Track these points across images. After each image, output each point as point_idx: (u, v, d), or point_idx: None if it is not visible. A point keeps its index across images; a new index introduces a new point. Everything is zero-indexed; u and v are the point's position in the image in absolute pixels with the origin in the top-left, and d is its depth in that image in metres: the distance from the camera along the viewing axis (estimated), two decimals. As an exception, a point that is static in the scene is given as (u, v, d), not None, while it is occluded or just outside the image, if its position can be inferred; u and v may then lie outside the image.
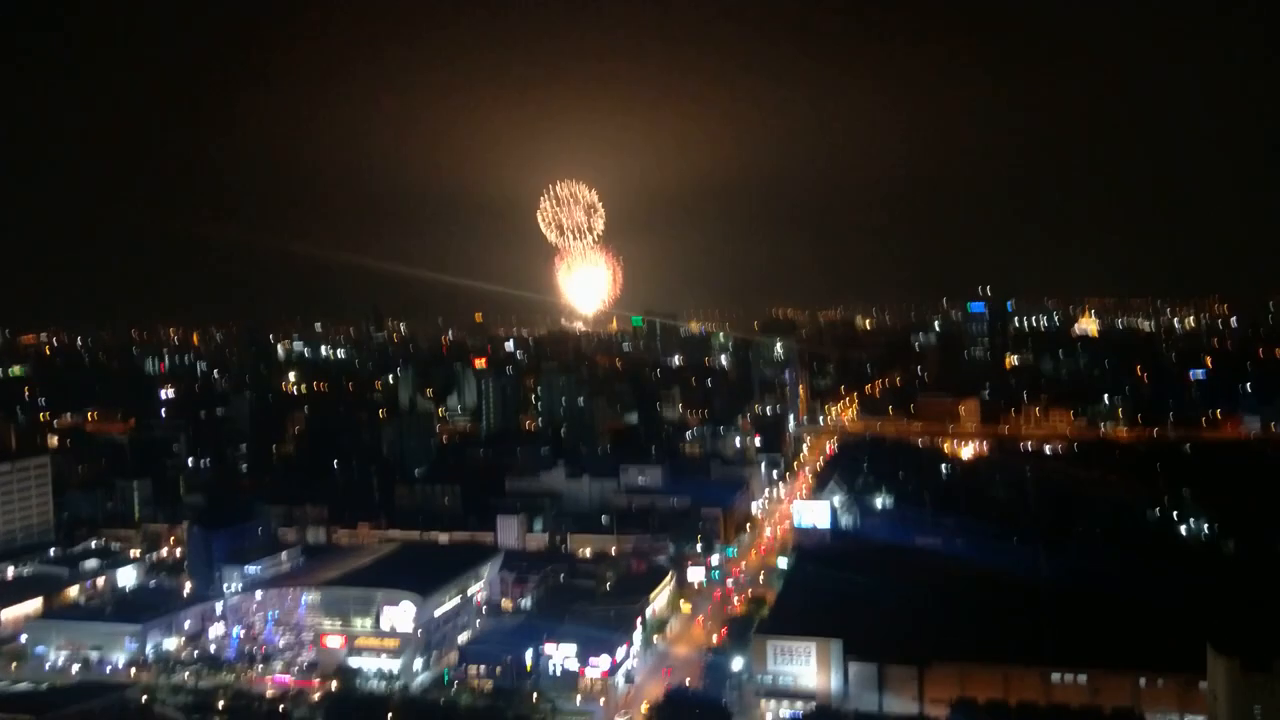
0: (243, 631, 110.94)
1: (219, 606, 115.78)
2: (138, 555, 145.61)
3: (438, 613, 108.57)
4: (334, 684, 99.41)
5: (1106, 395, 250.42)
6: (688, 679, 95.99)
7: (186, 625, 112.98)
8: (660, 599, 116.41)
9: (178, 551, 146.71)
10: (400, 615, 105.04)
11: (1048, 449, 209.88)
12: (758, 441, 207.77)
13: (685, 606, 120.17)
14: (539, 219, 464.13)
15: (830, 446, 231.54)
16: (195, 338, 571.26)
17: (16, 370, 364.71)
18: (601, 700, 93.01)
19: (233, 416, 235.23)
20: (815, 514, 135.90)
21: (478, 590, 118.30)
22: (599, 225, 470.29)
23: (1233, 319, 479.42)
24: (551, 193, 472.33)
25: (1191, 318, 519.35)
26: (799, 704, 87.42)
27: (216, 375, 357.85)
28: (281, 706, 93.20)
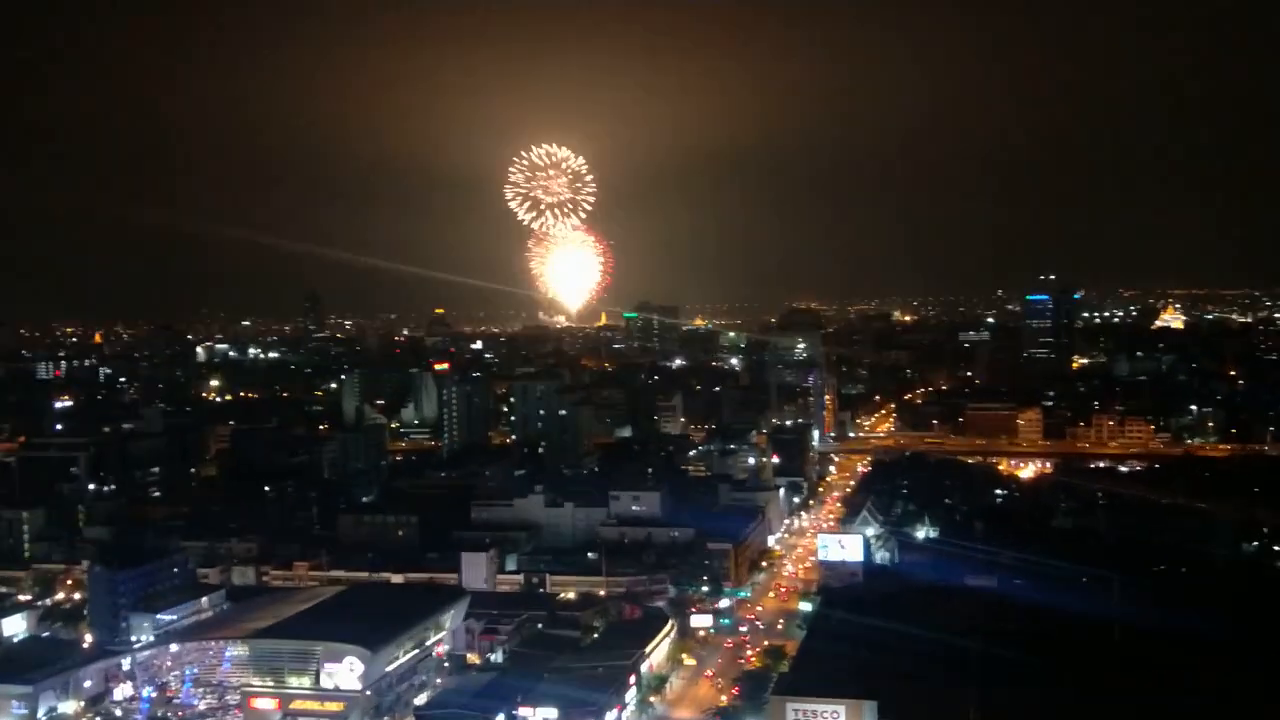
0: (155, 692, 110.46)
1: (126, 662, 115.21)
2: (27, 601, 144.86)
3: (390, 668, 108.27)
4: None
5: (1194, 403, 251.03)
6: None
7: (86, 685, 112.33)
8: (658, 651, 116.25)
9: (76, 596, 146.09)
10: (345, 672, 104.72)
11: (1124, 469, 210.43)
12: (775, 461, 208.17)
13: (689, 660, 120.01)
14: (509, 193, 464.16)
15: (863, 466, 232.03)
16: (98, 337, 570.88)
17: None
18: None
19: (143, 432, 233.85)
20: (845, 548, 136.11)
21: (438, 642, 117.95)
22: (585, 200, 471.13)
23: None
24: (526, 160, 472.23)
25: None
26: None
27: (124, 382, 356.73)
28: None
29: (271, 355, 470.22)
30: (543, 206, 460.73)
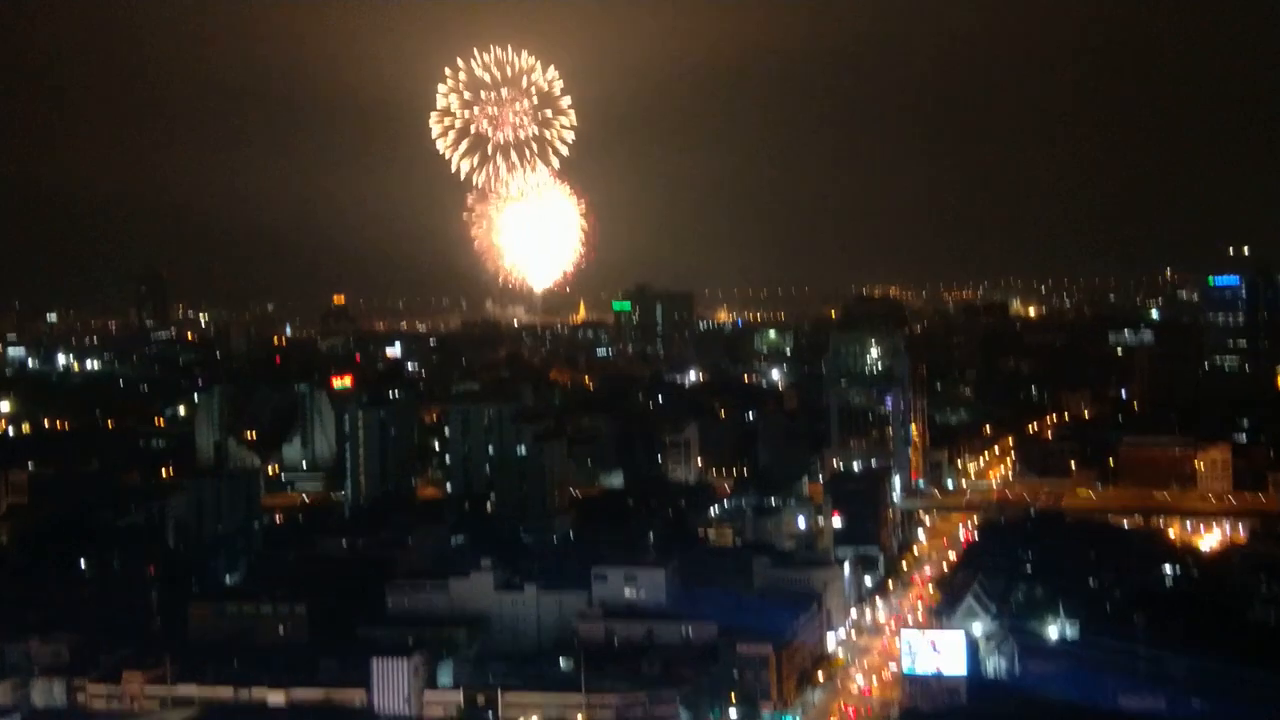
0: None
1: None
2: None
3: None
4: None
5: None
6: None
7: None
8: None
9: None
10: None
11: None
12: (837, 523, 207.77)
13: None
14: (436, 127, 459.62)
15: (966, 530, 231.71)
16: None
17: None
18: None
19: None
20: (940, 652, 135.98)
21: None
22: (562, 136, 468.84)
23: None
24: (464, 73, 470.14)
25: None
26: None
27: None
28: None
29: (90, 366, 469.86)
30: (491, 147, 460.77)
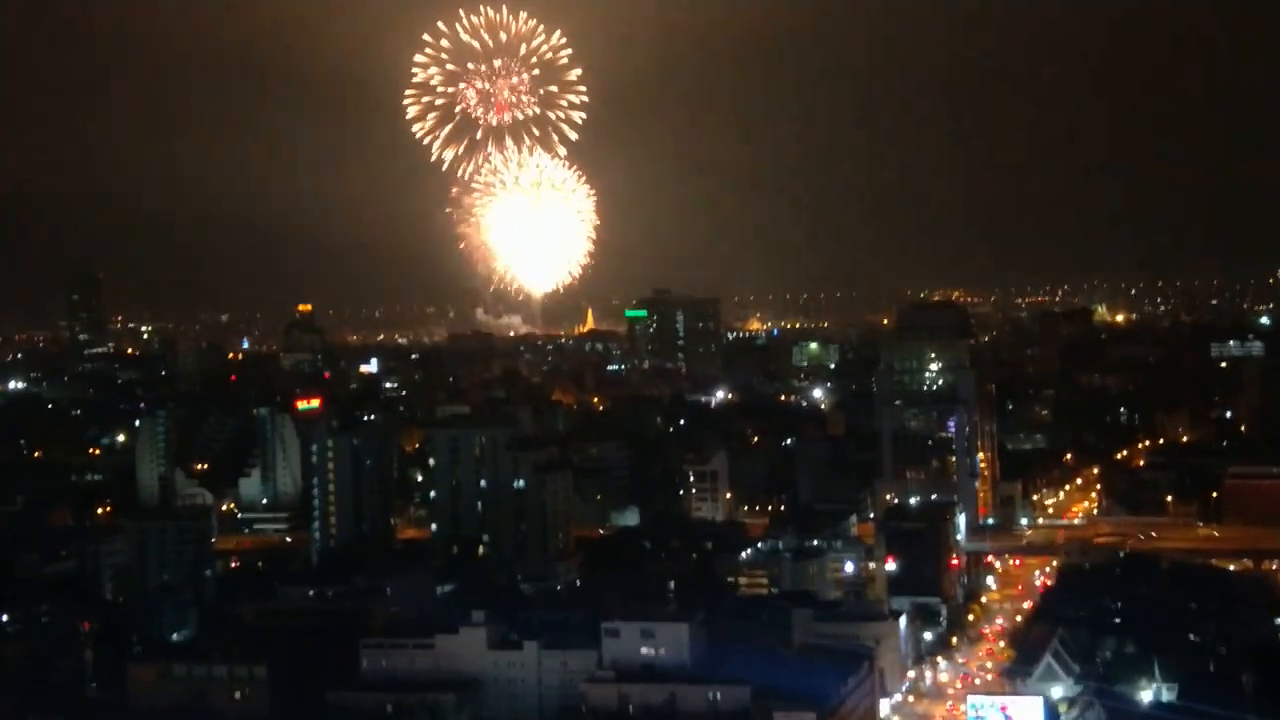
0: None
1: None
2: None
3: None
4: None
5: None
6: None
7: None
8: None
9: None
10: None
11: None
12: (892, 568, 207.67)
13: None
14: (413, 104, 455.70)
15: (1044, 576, 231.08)
16: None
17: None
18: None
19: None
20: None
21: None
22: (569, 117, 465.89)
23: None
24: (448, 39, 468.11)
25: None
26: None
27: None
28: None
29: (14, 386, 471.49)
30: (481, 130, 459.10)
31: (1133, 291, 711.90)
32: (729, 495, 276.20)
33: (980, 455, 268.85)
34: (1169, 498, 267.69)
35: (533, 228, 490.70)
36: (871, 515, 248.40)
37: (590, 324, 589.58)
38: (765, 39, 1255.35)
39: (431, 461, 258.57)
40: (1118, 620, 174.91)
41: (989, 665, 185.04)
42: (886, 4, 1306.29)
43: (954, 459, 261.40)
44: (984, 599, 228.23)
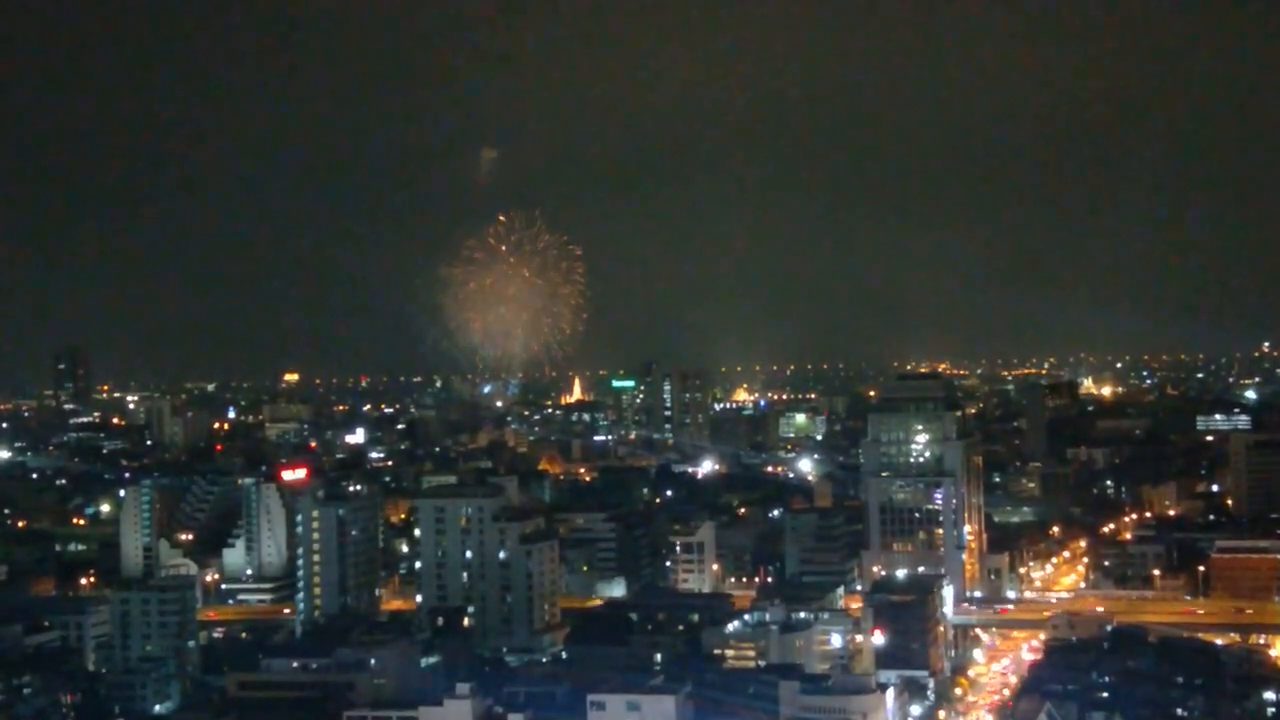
0: None
1: None
2: None
3: None
4: None
5: None
6: None
7: None
8: None
9: None
10: None
11: None
12: (878, 640, 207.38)
13: None
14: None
15: (1031, 650, 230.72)
16: None
17: None
18: None
19: None
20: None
21: None
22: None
23: None
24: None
25: None
26: None
27: None
28: None
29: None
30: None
31: (1119, 365, 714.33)
32: (716, 566, 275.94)
33: (968, 527, 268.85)
34: (1156, 571, 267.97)
35: (520, 298, 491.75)
36: (859, 587, 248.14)
37: (578, 394, 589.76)
38: (755, 121, 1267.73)
39: (417, 532, 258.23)
40: (1105, 695, 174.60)
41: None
42: (878, 88, 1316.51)
43: (941, 531, 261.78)
44: (971, 672, 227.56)
